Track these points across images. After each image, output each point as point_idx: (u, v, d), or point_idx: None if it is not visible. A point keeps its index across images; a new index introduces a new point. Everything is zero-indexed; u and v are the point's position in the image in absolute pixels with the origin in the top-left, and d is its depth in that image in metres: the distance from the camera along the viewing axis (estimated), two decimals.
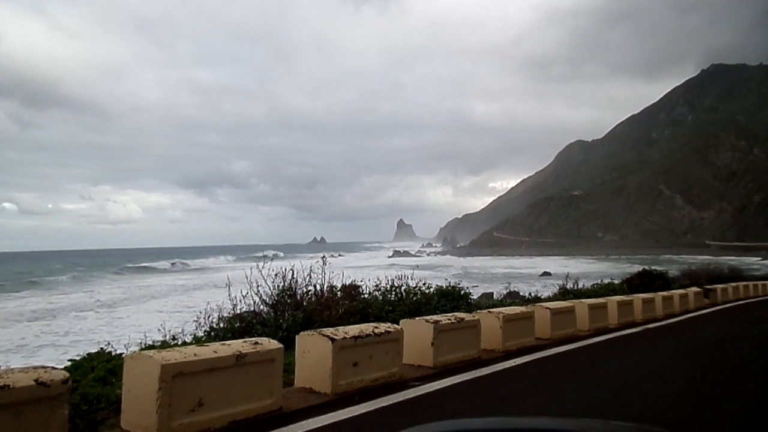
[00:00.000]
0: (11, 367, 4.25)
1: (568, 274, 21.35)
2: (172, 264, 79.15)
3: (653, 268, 24.10)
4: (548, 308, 10.86)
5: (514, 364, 8.34)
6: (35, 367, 4.05)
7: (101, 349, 8.30)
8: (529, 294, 20.77)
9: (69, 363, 7.43)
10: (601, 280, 21.66)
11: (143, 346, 8.25)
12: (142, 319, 28.02)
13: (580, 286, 19.56)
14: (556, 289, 20.21)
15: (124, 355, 5.97)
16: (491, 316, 9.25)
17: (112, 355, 8.11)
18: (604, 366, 8.98)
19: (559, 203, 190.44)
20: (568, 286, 18.92)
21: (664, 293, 17.07)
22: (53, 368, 4.16)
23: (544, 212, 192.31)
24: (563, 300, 14.30)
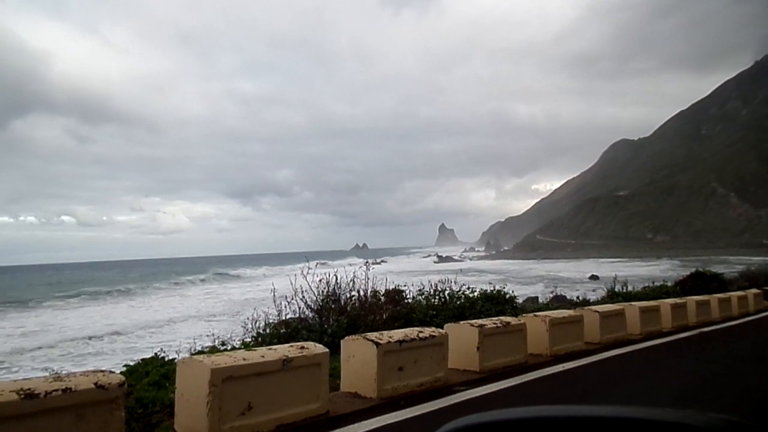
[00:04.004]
0: (73, 371, 4.45)
1: (616, 276, 20.72)
2: (222, 275, 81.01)
3: (707, 269, 23.12)
4: (597, 311, 10.58)
5: (562, 369, 8.16)
6: (94, 371, 4.23)
7: (155, 354, 8.59)
8: (576, 297, 20.30)
9: (124, 368, 7.72)
10: (652, 283, 20.93)
11: (193, 352, 8.49)
12: (194, 327, 28.80)
13: (630, 289, 18.95)
14: (604, 293, 19.64)
15: (176, 360, 6.16)
16: (537, 320, 9.08)
17: (165, 360, 8.37)
18: (657, 371, 8.66)
19: (605, 204, 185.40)
20: (616, 289, 18.36)
21: (720, 295, 16.34)
22: (111, 372, 4.33)
23: (589, 214, 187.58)
24: (612, 303, 13.89)
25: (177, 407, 5.00)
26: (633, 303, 12.50)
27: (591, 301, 17.97)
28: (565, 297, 22.22)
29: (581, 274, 66.73)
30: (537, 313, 9.81)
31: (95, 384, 3.93)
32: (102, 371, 4.25)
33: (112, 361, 18.96)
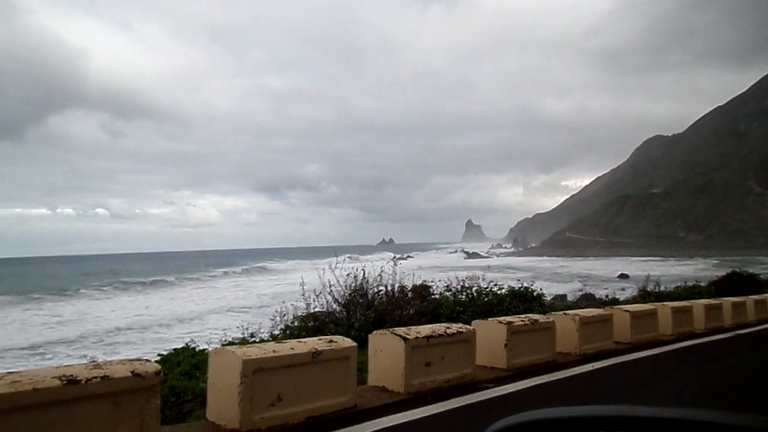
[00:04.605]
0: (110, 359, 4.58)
1: (648, 275, 20.32)
2: (250, 268, 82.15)
3: (743, 269, 22.47)
4: (628, 311, 10.40)
5: (591, 368, 8.06)
6: (131, 360, 4.36)
7: (186, 344, 8.78)
8: (606, 296, 19.98)
9: (158, 357, 7.92)
10: (685, 283, 20.45)
11: (223, 343, 8.64)
12: (222, 319, 29.30)
13: (662, 288, 18.56)
14: (635, 292, 19.30)
15: (208, 350, 6.29)
16: (567, 318, 8.97)
17: (195, 351, 8.56)
18: (690, 372, 8.49)
19: (636, 202, 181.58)
20: (648, 288, 18.01)
21: (757, 297, 15.88)
22: (147, 361, 4.45)
23: (620, 211, 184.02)
24: (643, 303, 13.64)
25: (209, 396, 5.11)
26: (665, 303, 12.24)
27: (621, 300, 17.67)
28: (593, 296, 21.90)
29: (611, 273, 65.61)
30: (566, 312, 9.70)
31: (132, 372, 4.04)
32: (138, 360, 4.37)
33: (142, 350, 19.47)
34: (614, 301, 16.58)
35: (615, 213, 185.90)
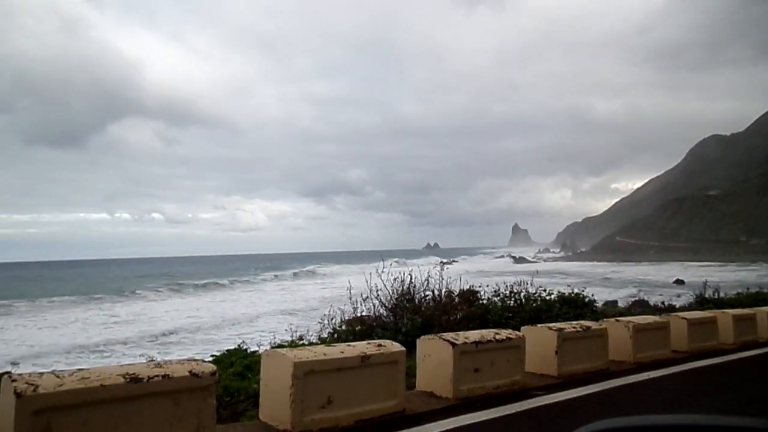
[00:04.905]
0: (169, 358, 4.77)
1: (705, 281, 19.47)
2: (297, 272, 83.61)
3: None
4: (685, 318, 10.00)
5: (647, 378, 7.79)
6: (188, 360, 4.52)
7: (238, 346, 9.01)
8: (661, 303, 19.25)
9: (211, 358, 8.16)
10: (747, 289, 19.48)
11: (273, 345, 8.83)
12: (270, 321, 29.88)
13: (721, 295, 17.73)
14: (691, 298, 18.51)
15: (260, 352, 6.44)
16: (620, 326, 8.72)
17: (247, 352, 8.77)
18: (752, 383, 8.08)
19: (692, 204, 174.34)
20: (706, 295, 17.24)
21: None
22: (203, 361, 4.60)
23: (675, 214, 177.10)
24: (701, 310, 13.08)
25: (262, 397, 5.23)
26: (726, 310, 11.70)
27: (677, 307, 16.99)
28: (647, 302, 21.13)
29: (665, 279, 63.14)
30: (619, 318, 9.42)
31: (190, 372, 4.19)
32: (195, 360, 4.53)
33: (193, 351, 20.07)
34: (670, 308, 15.96)
35: (669, 216, 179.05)
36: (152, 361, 5.25)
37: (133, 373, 3.95)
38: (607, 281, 61.93)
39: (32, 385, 3.52)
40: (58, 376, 3.71)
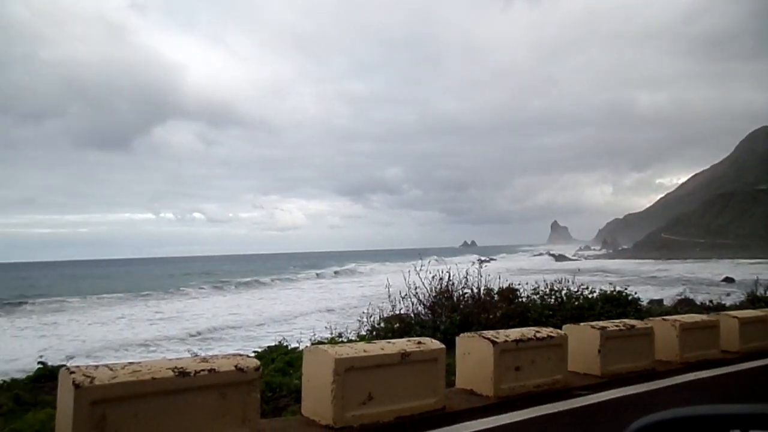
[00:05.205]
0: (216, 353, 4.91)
1: (757, 279, 18.69)
2: (339, 271, 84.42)
3: None
4: (736, 317, 9.65)
5: (694, 378, 7.56)
6: (233, 355, 4.64)
7: (279, 342, 9.19)
8: (709, 302, 18.61)
9: (253, 354, 8.34)
10: None
11: (313, 342, 8.95)
12: (308, 319, 30.27)
13: None
14: (742, 297, 17.82)
15: (302, 348, 6.54)
16: (666, 324, 8.48)
17: (287, 349, 8.93)
18: None
19: (741, 199, 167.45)
20: (758, 293, 16.56)
21: None
22: (248, 356, 4.72)
23: (722, 210, 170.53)
24: (753, 309, 12.58)
25: (304, 393, 5.32)
26: None
27: (726, 306, 16.38)
28: (693, 300, 20.46)
29: (713, 277, 60.94)
30: (665, 317, 9.16)
31: (235, 366, 4.30)
32: (240, 355, 4.65)
33: (233, 348, 20.47)
34: (719, 307, 15.41)
35: (717, 212, 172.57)
36: (195, 355, 5.42)
37: (182, 367, 4.09)
38: (651, 279, 60.18)
39: (89, 377, 3.69)
40: (112, 369, 3.87)
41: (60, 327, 31.60)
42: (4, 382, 7.87)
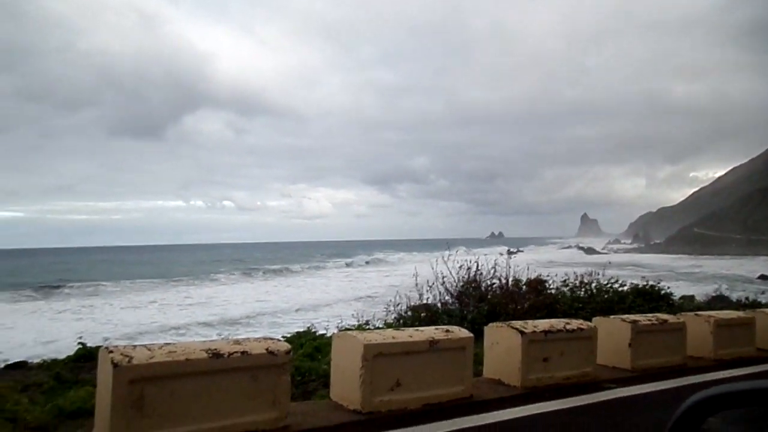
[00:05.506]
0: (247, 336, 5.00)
1: None
2: (369, 260, 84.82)
3: None
4: None
5: (728, 375, 7.39)
6: (265, 338, 4.73)
7: (307, 328, 9.30)
8: (745, 299, 18.13)
9: (282, 339, 8.48)
10: None
11: (340, 328, 9.05)
12: (335, 306, 30.54)
13: None
14: None
15: (330, 335, 6.62)
16: (699, 320, 8.30)
17: (315, 335, 9.04)
18: None
19: None
20: None
21: None
22: (279, 340, 4.80)
23: (760, 205, 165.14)
24: None
25: (332, 377, 5.39)
26: None
27: (762, 303, 15.93)
28: (727, 297, 19.92)
29: (748, 274, 59.26)
30: (698, 312, 8.97)
31: (267, 349, 4.39)
32: (272, 339, 4.74)
33: (260, 333, 20.77)
34: (754, 304, 15.00)
35: (755, 207, 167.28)
36: (225, 338, 5.53)
37: (215, 349, 4.19)
38: (684, 274, 58.84)
39: (127, 356, 3.81)
40: (149, 349, 4.00)
41: (95, 310, 32.62)
42: (45, 361, 8.18)
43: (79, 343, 8.33)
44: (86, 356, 7.82)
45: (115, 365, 3.72)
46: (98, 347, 7.21)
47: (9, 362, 8.62)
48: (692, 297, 22.94)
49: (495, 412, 5.27)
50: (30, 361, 8.75)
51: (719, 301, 18.08)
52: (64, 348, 11.77)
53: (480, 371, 6.53)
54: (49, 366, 7.67)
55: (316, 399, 5.70)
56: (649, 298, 11.38)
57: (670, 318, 7.93)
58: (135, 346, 4.08)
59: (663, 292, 11.90)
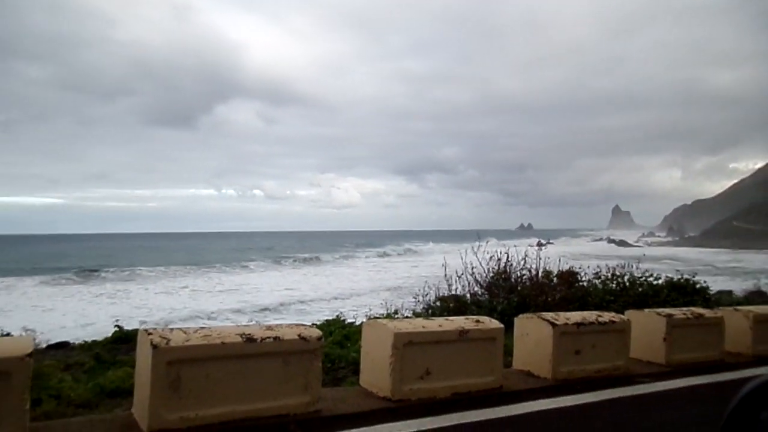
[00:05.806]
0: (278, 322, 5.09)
1: None
2: (403, 252, 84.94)
3: None
4: None
5: (766, 372, 7.19)
6: (297, 325, 4.80)
7: (337, 316, 9.40)
8: None
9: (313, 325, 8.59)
10: None
11: (369, 317, 9.10)
12: (363, 296, 30.74)
13: None
14: None
15: (362, 322, 6.68)
16: (738, 315, 8.08)
17: (344, 323, 9.13)
18: None
19: None
20: None
21: None
22: (311, 326, 4.87)
23: None
24: None
25: (362, 365, 5.44)
26: None
27: None
28: (766, 293, 19.33)
29: None
30: (737, 307, 8.73)
31: (299, 335, 4.46)
32: (304, 325, 4.80)
33: (288, 320, 21.05)
34: None
35: None
36: (257, 324, 5.63)
37: (249, 334, 4.27)
38: (721, 269, 57.23)
39: (165, 339, 3.92)
40: (185, 333, 4.10)
41: (131, 294, 33.60)
42: (85, 342, 8.49)
43: (116, 326, 8.61)
44: (122, 339, 8.09)
45: (154, 347, 3.84)
46: (135, 330, 7.44)
47: (51, 342, 8.96)
48: (730, 292, 22.35)
49: (525, 403, 5.25)
50: (72, 342, 9.10)
51: (758, 297, 17.57)
52: (102, 330, 12.17)
53: (509, 362, 6.50)
54: (90, 347, 7.96)
55: (346, 386, 5.77)
56: (684, 292, 11.10)
57: (706, 312, 7.74)
58: (172, 330, 4.20)
59: (699, 286, 11.60)
